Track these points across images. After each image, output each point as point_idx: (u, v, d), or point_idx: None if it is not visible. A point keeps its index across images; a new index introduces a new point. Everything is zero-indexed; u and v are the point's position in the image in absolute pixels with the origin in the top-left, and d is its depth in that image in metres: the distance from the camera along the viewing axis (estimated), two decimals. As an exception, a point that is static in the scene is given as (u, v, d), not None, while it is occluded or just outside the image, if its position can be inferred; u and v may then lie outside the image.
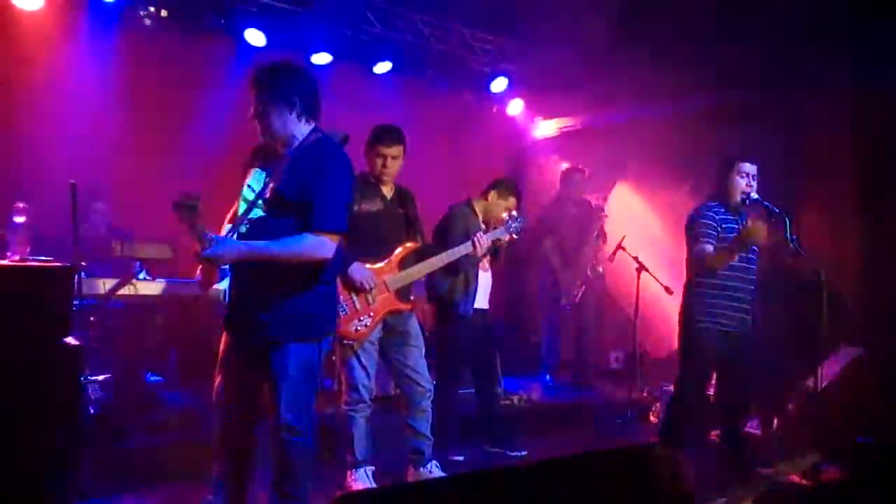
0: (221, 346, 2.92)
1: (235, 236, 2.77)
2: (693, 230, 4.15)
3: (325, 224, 2.76)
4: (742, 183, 4.15)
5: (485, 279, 4.74)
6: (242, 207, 2.83)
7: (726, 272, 4.10)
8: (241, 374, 2.87)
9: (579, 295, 6.13)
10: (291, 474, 2.83)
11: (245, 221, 2.78)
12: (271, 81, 2.81)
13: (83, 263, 3.71)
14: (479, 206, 4.72)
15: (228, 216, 3.01)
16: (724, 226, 4.12)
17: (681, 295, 4.33)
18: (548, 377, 6.48)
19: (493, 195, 4.72)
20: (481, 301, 4.74)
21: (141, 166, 5.62)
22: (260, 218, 2.79)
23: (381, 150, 3.91)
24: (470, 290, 4.61)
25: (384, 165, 3.92)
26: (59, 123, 5.44)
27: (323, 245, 2.75)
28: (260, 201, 2.78)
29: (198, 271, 2.95)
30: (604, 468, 1.62)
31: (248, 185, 2.86)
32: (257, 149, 2.98)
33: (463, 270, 4.53)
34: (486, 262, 4.71)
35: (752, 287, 4.23)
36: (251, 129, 2.86)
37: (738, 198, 4.14)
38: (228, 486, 2.93)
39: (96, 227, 5.21)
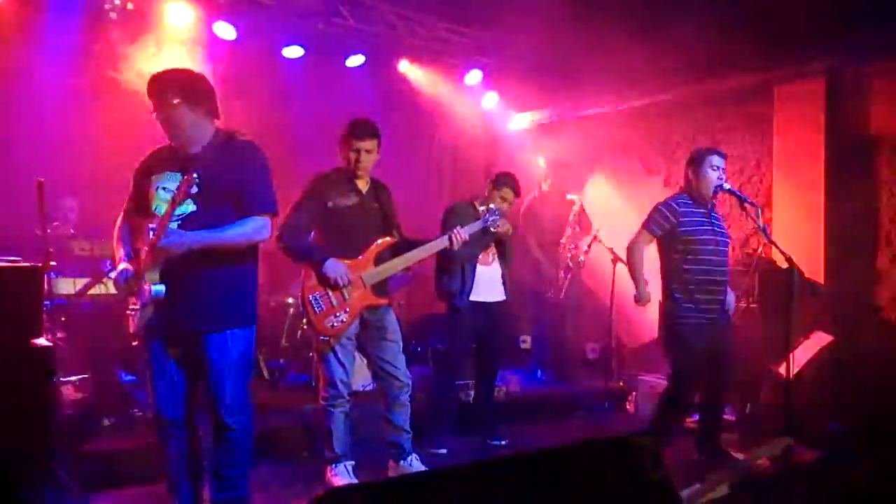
0: (148, 357, 3.00)
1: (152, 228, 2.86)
2: (648, 216, 4.39)
3: (264, 207, 2.99)
4: (713, 175, 4.27)
5: (487, 273, 4.77)
6: (163, 207, 2.88)
7: (703, 266, 4.25)
8: (180, 377, 3.02)
9: (565, 287, 6.16)
10: (232, 461, 3.03)
11: (173, 218, 2.84)
12: (178, 87, 2.91)
13: (52, 263, 3.63)
14: (481, 204, 4.70)
15: (119, 223, 3.13)
16: (685, 219, 4.24)
17: (660, 293, 4.42)
18: (539, 372, 6.50)
19: (489, 188, 4.78)
20: (487, 294, 4.76)
21: (108, 163, 5.50)
22: (191, 213, 2.90)
23: (355, 143, 3.88)
24: (466, 285, 4.67)
25: (358, 160, 3.89)
26: (23, 121, 5.32)
27: (265, 226, 2.98)
28: (187, 199, 2.87)
29: (132, 320, 2.99)
30: (584, 458, 1.62)
31: (163, 188, 2.94)
32: (155, 155, 3.09)
33: (459, 265, 4.63)
34: (487, 257, 4.77)
35: (726, 274, 4.39)
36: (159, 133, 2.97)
37: (711, 190, 4.26)
38: (187, 486, 3.10)
39: (64, 225, 5.11)
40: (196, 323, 2.94)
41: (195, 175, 2.77)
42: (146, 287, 2.80)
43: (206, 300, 2.94)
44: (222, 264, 2.94)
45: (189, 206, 2.90)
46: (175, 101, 2.88)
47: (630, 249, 4.41)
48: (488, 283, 4.77)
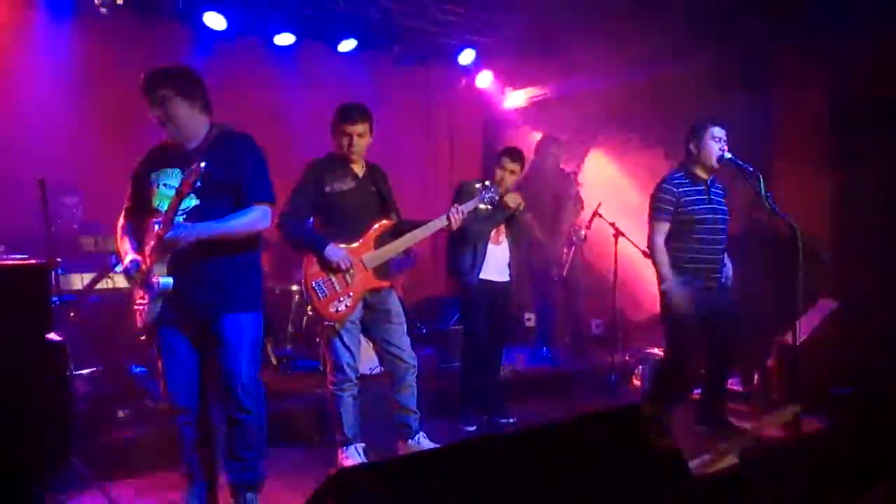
0: (159, 348, 3.07)
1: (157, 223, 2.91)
2: (652, 204, 4.35)
3: (263, 196, 3.06)
4: (715, 147, 4.26)
5: (497, 253, 4.77)
6: (165, 203, 2.92)
7: (695, 245, 4.25)
8: (191, 365, 3.09)
9: (568, 264, 6.17)
10: (248, 443, 3.12)
11: (178, 213, 2.88)
12: (171, 82, 2.97)
13: (59, 259, 3.66)
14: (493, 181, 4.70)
15: (121, 223, 3.17)
16: (684, 199, 4.23)
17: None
18: (545, 349, 6.51)
19: (497, 165, 4.76)
20: (495, 274, 4.76)
21: (106, 158, 5.51)
22: (195, 206, 2.96)
23: (346, 128, 3.88)
24: (476, 262, 4.68)
25: (350, 144, 3.89)
26: (19, 119, 5.31)
27: (266, 215, 3.08)
28: (191, 193, 2.92)
29: (140, 315, 3.04)
30: (591, 431, 1.64)
31: (164, 184, 3.00)
32: (151, 155, 3.14)
33: (470, 242, 4.65)
34: (498, 236, 4.77)
35: (724, 243, 4.40)
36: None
37: (714, 161, 4.25)
38: (201, 474, 3.16)
39: (67, 222, 5.12)
40: (209, 308, 3.02)
41: (201, 165, 2.83)
42: (154, 280, 2.86)
43: (216, 286, 3.02)
44: (228, 253, 3.01)
45: (192, 201, 2.95)
46: (170, 96, 2.93)
47: (651, 247, 4.34)
48: (497, 263, 4.77)
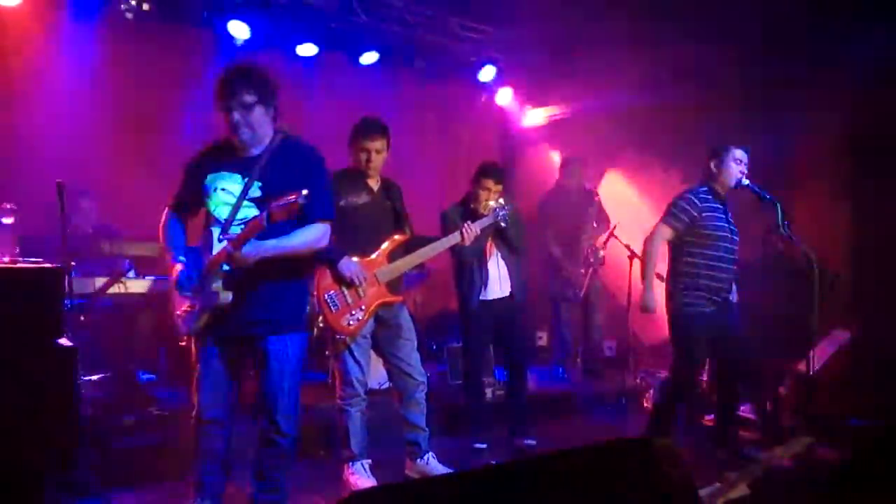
0: (198, 357, 2.98)
1: (222, 239, 2.81)
2: (669, 208, 4.30)
3: (325, 213, 2.99)
4: (736, 169, 4.24)
5: (497, 268, 4.69)
6: (222, 209, 2.88)
7: (714, 262, 4.22)
8: (225, 378, 2.99)
9: (586, 283, 6.12)
10: (280, 464, 3.06)
11: (235, 222, 2.82)
12: (261, 81, 2.86)
13: (72, 263, 3.67)
14: (472, 201, 4.65)
15: (166, 217, 3.09)
16: (705, 213, 4.20)
17: (665, 282, 4.38)
18: (560, 370, 6.45)
19: (479, 186, 4.59)
20: (494, 291, 4.67)
21: (125, 162, 5.56)
22: (253, 218, 2.81)
23: (365, 144, 3.88)
24: (475, 283, 4.60)
25: (369, 160, 3.90)
26: (41, 121, 5.37)
27: (326, 233, 3.01)
28: (246, 202, 2.85)
29: (183, 322, 2.98)
30: (605, 458, 1.61)
31: (223, 189, 2.90)
32: (210, 151, 3.02)
33: (466, 264, 4.57)
34: (490, 251, 4.66)
35: (735, 263, 4.34)
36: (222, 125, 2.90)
37: (733, 183, 4.22)
38: (213, 487, 3.07)
39: (82, 225, 5.15)
40: (258, 326, 2.93)
41: (257, 180, 2.81)
42: (214, 293, 2.79)
43: (268, 305, 2.93)
44: (282, 272, 2.93)
45: (251, 210, 2.86)
46: (251, 101, 2.82)
47: (647, 244, 4.32)
48: (494, 280, 4.67)
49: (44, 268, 2.90)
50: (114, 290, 4.55)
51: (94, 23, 5.60)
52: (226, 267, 2.81)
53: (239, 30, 5.89)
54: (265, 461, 3.04)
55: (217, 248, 2.83)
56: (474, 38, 6.83)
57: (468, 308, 4.64)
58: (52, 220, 3.64)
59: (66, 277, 3.56)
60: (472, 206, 4.56)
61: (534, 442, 4.80)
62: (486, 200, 4.50)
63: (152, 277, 4.81)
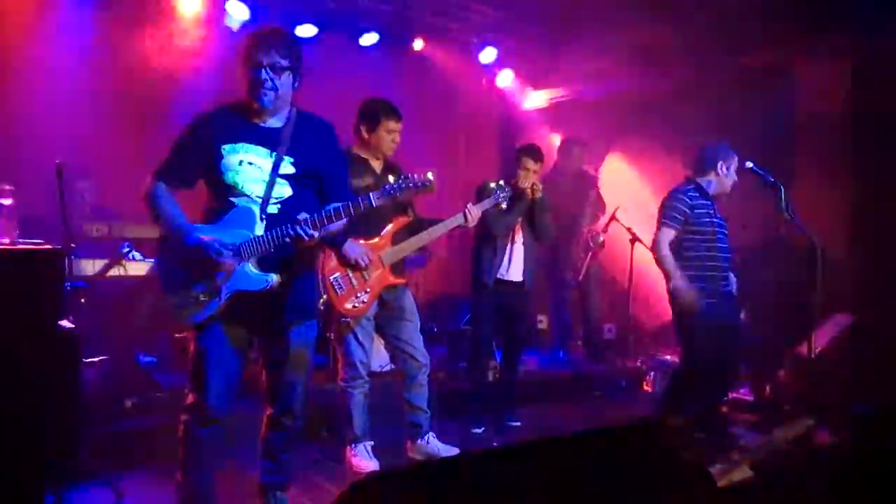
0: (205, 346, 2.75)
1: (265, 218, 2.69)
2: (663, 211, 4.30)
3: (349, 194, 2.85)
4: (734, 178, 4.29)
5: (512, 251, 4.70)
6: (254, 185, 2.70)
7: (713, 253, 4.23)
8: (235, 368, 2.82)
9: (584, 268, 6.11)
10: (289, 447, 3.04)
11: (272, 201, 2.70)
12: (297, 50, 2.73)
13: (72, 245, 3.64)
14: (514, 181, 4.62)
15: (155, 186, 2.76)
16: (696, 210, 4.21)
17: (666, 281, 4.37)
18: (561, 353, 6.47)
19: (519, 166, 4.64)
20: (509, 273, 4.68)
21: (123, 145, 5.50)
22: (290, 197, 2.75)
23: (391, 125, 3.89)
24: (495, 261, 4.63)
25: (393, 141, 3.90)
26: (39, 103, 5.30)
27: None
28: (279, 178, 2.72)
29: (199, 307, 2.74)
30: (618, 441, 1.61)
31: (249, 163, 2.70)
32: (220, 117, 2.77)
33: (494, 239, 4.60)
34: (515, 234, 4.68)
35: (730, 255, 4.36)
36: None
37: (729, 189, 4.30)
38: (208, 498, 2.91)
39: (79, 207, 5.10)
40: (287, 313, 2.82)
41: (287, 156, 2.69)
42: (258, 275, 2.68)
43: (298, 291, 2.84)
44: (307, 257, 2.89)
45: (284, 188, 2.74)
46: (284, 64, 2.67)
47: (656, 252, 4.27)
48: (512, 262, 4.70)
49: (43, 250, 2.87)
50: (114, 272, 4.52)
51: (89, 4, 5.53)
52: (270, 250, 2.68)
53: (238, 10, 5.83)
54: (276, 444, 3.00)
55: (259, 226, 2.69)
56: (475, 20, 6.76)
57: (483, 284, 4.64)
58: (51, 202, 3.60)
59: (66, 259, 3.53)
60: (512, 182, 4.53)
61: (518, 423, 4.84)
62: (523, 179, 4.56)
63: (153, 260, 4.78)
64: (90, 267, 4.47)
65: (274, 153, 2.72)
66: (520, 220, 4.67)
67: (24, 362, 2.24)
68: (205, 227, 2.73)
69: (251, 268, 2.69)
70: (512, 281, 4.71)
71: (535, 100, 7.80)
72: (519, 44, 7.00)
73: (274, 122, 2.77)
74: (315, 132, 2.84)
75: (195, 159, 2.76)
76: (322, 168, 2.82)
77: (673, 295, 4.26)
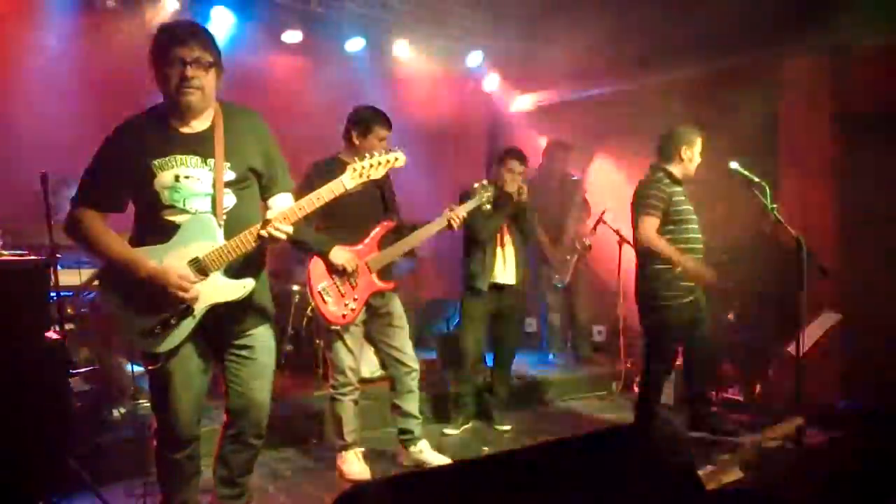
0: (172, 371, 2.58)
1: (222, 229, 2.53)
2: (642, 200, 4.29)
3: (289, 183, 2.74)
4: (697, 160, 4.32)
5: (506, 255, 4.71)
6: (198, 200, 2.51)
7: (687, 235, 4.28)
8: (202, 387, 2.69)
9: (570, 271, 6.11)
10: (250, 469, 2.81)
11: (223, 213, 2.53)
12: (216, 45, 2.53)
13: (58, 255, 3.60)
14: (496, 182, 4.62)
15: (90, 218, 2.54)
16: (675, 198, 4.25)
17: (635, 274, 4.38)
18: (550, 356, 6.47)
19: (496, 168, 4.71)
20: (503, 277, 4.70)
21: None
22: (235, 206, 2.58)
23: (382, 133, 3.89)
24: (486, 265, 4.64)
25: (383, 149, 3.87)
26: (21, 111, 5.25)
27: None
28: (225, 188, 2.53)
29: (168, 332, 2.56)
30: (607, 445, 1.60)
31: (185, 176, 2.49)
32: (138, 130, 2.54)
33: (481, 243, 4.62)
34: (503, 237, 4.70)
35: (701, 243, 4.37)
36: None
37: (692, 170, 4.31)
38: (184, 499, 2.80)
39: (64, 215, 5.05)
40: (251, 318, 2.68)
41: (226, 161, 2.49)
42: (228, 284, 2.53)
43: (260, 294, 2.70)
44: (262, 259, 2.72)
45: (231, 198, 2.57)
46: (210, 61, 2.47)
47: (648, 243, 4.25)
48: (502, 266, 4.72)
49: (29, 260, 2.84)
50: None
51: (74, 11, 5.50)
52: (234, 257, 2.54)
53: (223, 17, 5.81)
54: (236, 466, 2.74)
55: (219, 234, 2.52)
56: (461, 24, 6.77)
57: (476, 289, 4.65)
58: (36, 212, 3.56)
59: (52, 270, 3.50)
60: (497, 184, 4.53)
61: (508, 428, 4.84)
62: (508, 182, 4.58)
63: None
64: (76, 277, 4.42)
65: (210, 160, 2.52)
66: (505, 222, 4.67)
67: (11, 373, 2.21)
68: (155, 248, 2.50)
69: (221, 278, 2.55)
70: (506, 284, 4.73)
71: (522, 103, 7.81)
72: (505, 48, 7.01)
73: (200, 125, 2.55)
74: (242, 127, 2.62)
75: (124, 179, 2.52)
76: (261, 163, 2.64)
77: (690, 274, 4.22)
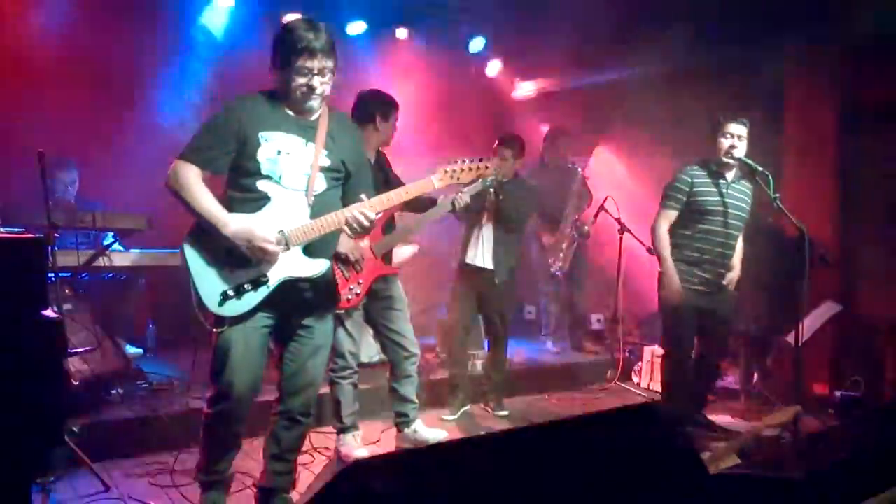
0: (228, 339, 2.66)
1: (310, 205, 2.70)
2: (664, 192, 4.32)
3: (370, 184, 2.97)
4: (725, 144, 4.19)
5: (482, 238, 4.68)
6: (295, 177, 2.66)
7: (706, 226, 4.21)
8: (260, 361, 2.76)
9: (568, 259, 6.09)
10: (297, 446, 2.99)
11: (315, 192, 2.70)
12: (336, 51, 2.69)
13: (56, 234, 3.59)
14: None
15: (194, 172, 2.61)
16: (697, 188, 4.19)
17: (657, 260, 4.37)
18: (549, 343, 6.45)
19: (498, 156, 4.63)
20: (478, 260, 4.67)
21: (106, 134, 5.43)
22: (325, 191, 2.74)
23: (397, 119, 3.95)
24: (463, 245, 4.71)
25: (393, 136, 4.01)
26: (20, 92, 5.21)
27: None
28: (319, 172, 2.71)
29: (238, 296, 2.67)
30: (610, 426, 1.59)
31: (286, 152, 2.65)
32: (257, 104, 2.69)
33: (470, 230, 4.69)
34: (480, 218, 4.66)
35: (734, 240, 4.33)
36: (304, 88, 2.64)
37: (721, 156, 4.20)
38: (227, 480, 2.93)
39: (64, 197, 5.03)
40: (316, 304, 2.81)
41: (323, 148, 2.71)
42: (307, 261, 2.70)
43: (329, 281, 2.89)
44: (334, 244, 2.95)
45: (322, 183, 2.73)
46: (331, 67, 2.65)
47: (654, 232, 4.29)
48: (480, 249, 4.68)
49: (26, 238, 2.81)
50: (99, 262, 4.46)
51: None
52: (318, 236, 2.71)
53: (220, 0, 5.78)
54: (285, 444, 2.91)
55: (308, 213, 2.68)
56: (464, 9, 6.71)
57: (462, 264, 4.72)
58: (33, 191, 3.54)
59: (50, 249, 3.48)
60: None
61: (506, 413, 4.83)
62: (500, 168, 4.46)
63: (140, 250, 4.73)
64: (75, 257, 4.41)
65: (311, 143, 2.70)
66: (485, 206, 4.63)
67: (7, 350, 2.20)
68: (245, 215, 2.63)
69: (300, 254, 2.69)
70: (480, 267, 4.66)
71: (525, 90, 7.77)
72: (508, 34, 6.96)
73: (310, 116, 2.75)
74: (343, 127, 2.85)
75: (230, 144, 2.64)
76: (352, 162, 2.83)
77: (662, 282, 4.26)
